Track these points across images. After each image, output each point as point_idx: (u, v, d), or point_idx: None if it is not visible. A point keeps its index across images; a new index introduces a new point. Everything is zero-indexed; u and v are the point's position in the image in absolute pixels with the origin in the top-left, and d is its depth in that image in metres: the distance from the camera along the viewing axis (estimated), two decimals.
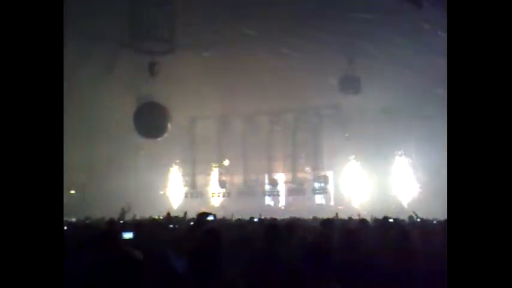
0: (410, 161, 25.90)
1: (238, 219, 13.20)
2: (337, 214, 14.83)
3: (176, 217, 11.47)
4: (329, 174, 27.90)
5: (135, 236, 5.13)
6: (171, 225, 8.36)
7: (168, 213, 12.14)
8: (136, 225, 7.96)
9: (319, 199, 28.44)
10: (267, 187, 28.93)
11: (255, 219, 11.24)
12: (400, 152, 26.26)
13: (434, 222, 11.08)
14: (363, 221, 8.48)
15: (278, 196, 29.11)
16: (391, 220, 8.32)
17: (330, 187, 28.09)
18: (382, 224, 7.93)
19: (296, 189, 27.99)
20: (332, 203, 27.78)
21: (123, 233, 4.97)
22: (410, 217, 13.39)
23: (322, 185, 27.24)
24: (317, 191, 27.59)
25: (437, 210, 17.25)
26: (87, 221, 13.18)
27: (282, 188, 29.02)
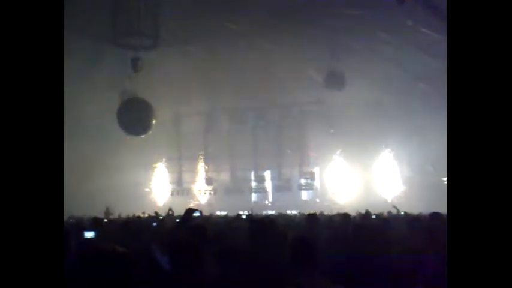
0: (395, 156, 26.12)
1: (225, 216, 13.19)
2: (322, 211, 14.92)
3: (159, 216, 11.44)
4: (315, 170, 28.01)
5: (97, 233, 5.09)
6: (155, 224, 8.32)
7: (156, 213, 12.10)
8: (121, 223, 7.91)
9: (305, 195, 28.54)
10: (254, 184, 28.96)
11: (243, 216, 11.08)
12: (384, 147, 26.45)
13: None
14: (345, 216, 8.54)
15: (265, 193, 29.14)
16: (373, 217, 8.40)
17: (316, 183, 28.19)
18: (365, 217, 8.03)
19: (282, 185, 28.06)
20: (318, 199, 27.90)
21: (84, 232, 4.94)
22: (390, 212, 13.57)
23: (309, 181, 27.35)
24: (303, 187, 27.69)
25: (420, 204, 17.49)
26: (71, 220, 13.06)
27: (268, 185, 29.07)
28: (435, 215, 5.84)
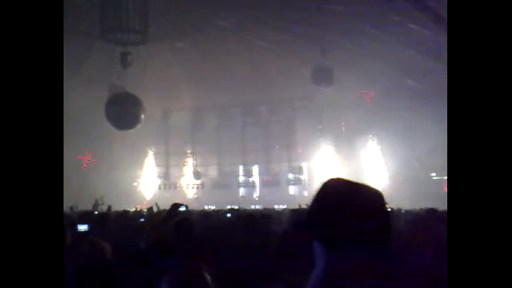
0: (382, 152, 26.27)
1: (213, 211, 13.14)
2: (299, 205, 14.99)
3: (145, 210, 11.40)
4: (303, 165, 28.09)
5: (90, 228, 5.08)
6: (142, 219, 8.29)
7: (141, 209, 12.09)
8: (108, 218, 7.91)
9: (293, 190, 28.61)
10: (242, 178, 29.00)
11: (228, 215, 10.56)
12: (371, 143, 26.60)
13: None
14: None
15: (252, 187, 29.18)
16: None
17: (304, 178, 28.26)
18: None
19: (270, 180, 28.13)
20: (306, 194, 27.98)
21: (78, 225, 4.91)
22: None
23: (297, 175, 27.40)
24: (291, 182, 27.76)
25: (404, 200, 17.66)
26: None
27: (256, 179, 29.11)
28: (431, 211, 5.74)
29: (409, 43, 19.20)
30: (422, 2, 15.08)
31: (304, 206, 13.86)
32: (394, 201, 15.74)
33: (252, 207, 17.98)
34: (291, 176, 27.58)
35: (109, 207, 14.45)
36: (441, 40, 13.91)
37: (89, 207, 15.92)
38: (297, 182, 27.73)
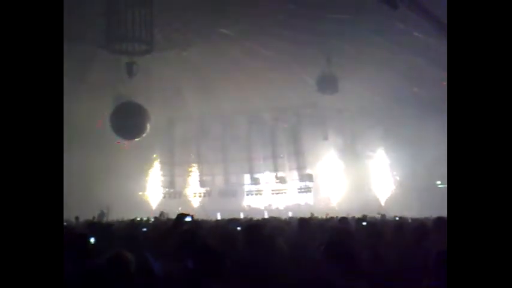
0: (387, 160, 26.17)
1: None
2: (312, 214, 15.00)
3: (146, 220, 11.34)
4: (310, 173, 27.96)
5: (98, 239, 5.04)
6: (145, 229, 8.26)
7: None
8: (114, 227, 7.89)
9: (300, 198, 28.45)
10: (248, 187, 28.89)
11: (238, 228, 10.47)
12: (377, 150, 26.51)
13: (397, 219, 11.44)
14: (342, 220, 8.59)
15: (260, 196, 29.02)
16: (364, 223, 8.40)
17: (311, 186, 28.11)
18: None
19: (277, 188, 28.01)
20: (312, 203, 27.85)
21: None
22: (383, 215, 13.80)
23: (306, 183, 27.26)
24: (301, 190, 27.60)
25: (411, 208, 17.57)
26: (64, 223, 13.01)
27: (263, 188, 28.96)
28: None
29: (415, 51, 19.18)
30: (426, 10, 15.07)
31: (316, 215, 13.92)
32: (401, 209, 15.74)
33: (265, 215, 17.91)
34: (299, 184, 27.44)
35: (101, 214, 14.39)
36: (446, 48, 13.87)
37: (94, 217, 15.91)
38: (306, 190, 27.55)
